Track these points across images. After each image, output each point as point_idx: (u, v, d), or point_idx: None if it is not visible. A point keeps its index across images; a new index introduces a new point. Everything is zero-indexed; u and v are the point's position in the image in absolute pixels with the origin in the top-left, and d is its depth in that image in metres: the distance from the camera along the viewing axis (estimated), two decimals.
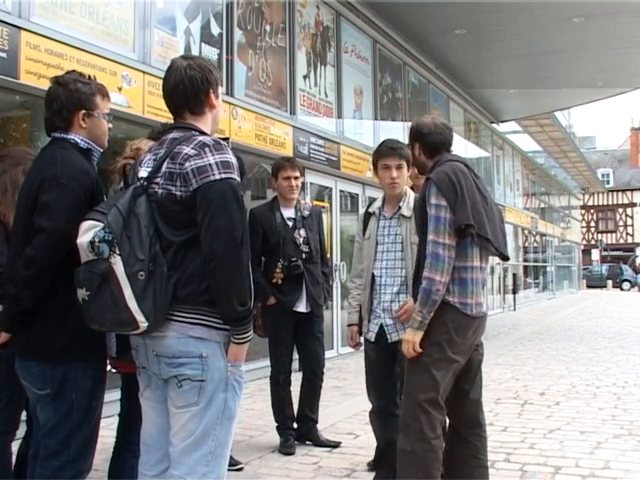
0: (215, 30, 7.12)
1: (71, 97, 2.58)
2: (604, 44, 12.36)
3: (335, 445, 4.74)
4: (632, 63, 13.86)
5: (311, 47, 9.07)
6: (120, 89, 5.64)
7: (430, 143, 3.22)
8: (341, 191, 9.83)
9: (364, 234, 3.88)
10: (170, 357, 2.26)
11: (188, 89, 2.37)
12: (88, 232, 2.21)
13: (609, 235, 47.06)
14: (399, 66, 12.07)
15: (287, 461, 4.44)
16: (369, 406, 3.92)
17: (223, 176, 2.22)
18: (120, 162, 3.04)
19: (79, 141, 2.60)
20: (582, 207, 42.39)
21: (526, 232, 23.38)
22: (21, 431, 3.00)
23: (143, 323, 2.18)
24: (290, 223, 4.76)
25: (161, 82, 2.47)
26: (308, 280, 4.70)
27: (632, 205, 47.07)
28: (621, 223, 47.52)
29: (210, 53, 6.96)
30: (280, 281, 4.65)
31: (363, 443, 4.73)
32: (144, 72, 5.93)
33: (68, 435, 2.48)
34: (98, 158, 2.70)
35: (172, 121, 2.48)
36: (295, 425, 4.81)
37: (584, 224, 45.21)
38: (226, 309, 2.22)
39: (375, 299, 3.75)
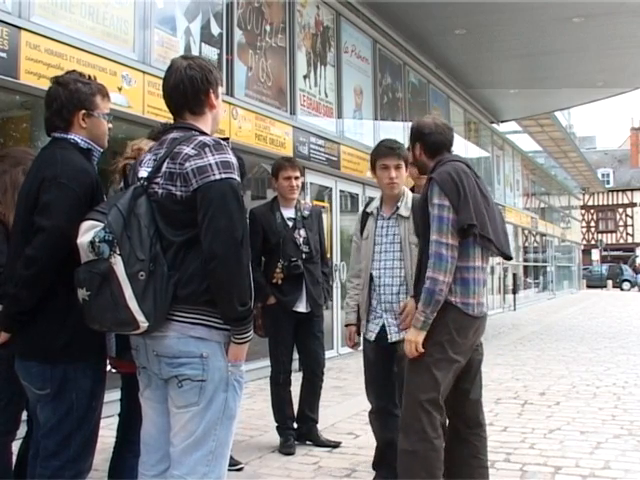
0: (215, 30, 7.12)
1: (71, 97, 2.58)
2: (604, 44, 12.36)
3: (335, 445, 4.74)
4: (632, 63, 13.86)
5: (311, 47, 9.07)
6: (120, 89, 5.64)
7: (431, 143, 3.22)
8: (341, 191, 9.83)
9: (362, 234, 3.88)
10: (170, 357, 2.26)
11: (188, 89, 2.38)
12: (88, 232, 2.21)
13: (609, 235, 47.06)
14: (399, 66, 12.07)
15: (287, 461, 4.44)
16: (369, 406, 3.92)
17: (223, 176, 2.22)
18: (121, 162, 3.04)
19: (79, 141, 2.60)
20: (582, 207, 42.39)
21: (526, 232, 23.38)
22: (21, 431, 3.00)
23: (143, 323, 2.18)
24: (290, 223, 4.76)
25: (161, 82, 2.47)
26: (308, 280, 4.70)
27: (632, 205, 47.07)
28: (621, 223, 47.52)
29: (210, 53, 6.96)
30: (280, 281, 4.65)
31: (363, 443, 4.73)
32: (144, 72, 5.93)
33: (68, 435, 2.48)
34: (98, 158, 2.70)
35: (172, 121, 2.48)
36: (295, 425, 4.81)
37: (584, 224, 45.21)
38: (226, 309, 2.22)
39: (374, 299, 3.74)
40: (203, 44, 6.90)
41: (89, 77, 2.68)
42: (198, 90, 2.39)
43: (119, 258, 2.15)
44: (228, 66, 7.29)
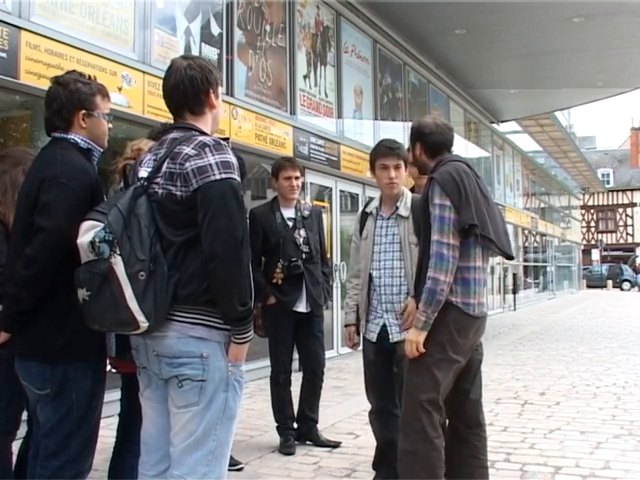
0: (215, 30, 7.12)
1: (71, 97, 2.58)
2: (604, 44, 12.36)
3: (335, 445, 4.74)
4: (632, 63, 13.86)
5: (311, 47, 9.07)
6: (120, 89, 5.64)
7: (431, 143, 3.22)
8: (341, 191, 9.83)
9: (361, 234, 3.88)
10: (170, 357, 2.26)
11: (188, 89, 2.38)
12: (88, 232, 2.21)
13: (609, 235, 47.06)
14: (399, 66, 12.07)
15: (287, 461, 4.44)
16: (369, 406, 3.92)
17: (223, 176, 2.22)
18: (121, 163, 3.04)
19: (79, 141, 2.60)
20: (582, 207, 42.39)
21: (526, 232, 23.39)
22: (22, 431, 3.00)
23: (144, 323, 2.18)
24: (290, 223, 4.76)
25: (161, 82, 2.48)
26: (308, 280, 4.70)
27: (632, 205, 47.07)
28: (621, 223, 47.52)
29: (210, 53, 6.96)
30: (280, 281, 4.65)
31: (363, 443, 4.73)
32: (144, 72, 5.93)
33: (68, 435, 2.48)
34: (98, 158, 2.70)
35: (172, 121, 2.48)
36: (295, 425, 4.81)
37: (584, 224, 45.21)
38: (227, 309, 2.22)
39: (375, 299, 3.74)
40: (203, 44, 6.90)
41: (89, 77, 2.68)
42: (198, 90, 2.39)
43: (119, 258, 2.15)
44: (228, 66, 7.29)
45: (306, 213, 4.85)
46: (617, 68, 14.19)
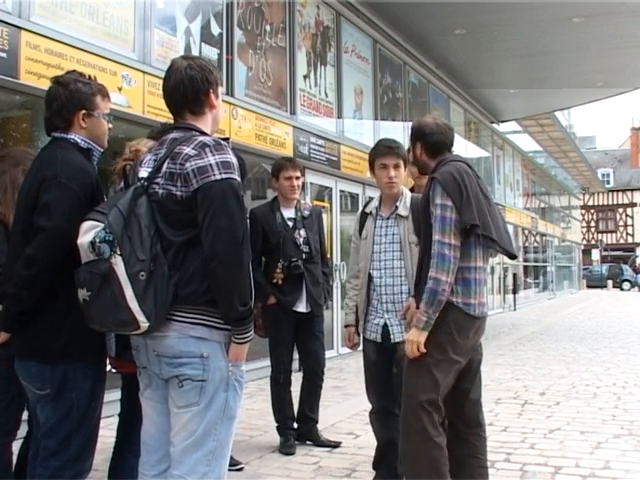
0: (215, 30, 7.12)
1: (71, 97, 2.58)
2: (604, 44, 12.36)
3: (335, 445, 4.74)
4: (632, 63, 13.86)
5: (311, 47, 9.07)
6: (120, 89, 5.64)
7: (432, 143, 3.22)
8: (341, 191, 9.83)
9: (360, 234, 3.87)
10: (171, 357, 2.26)
11: (188, 89, 2.38)
12: (89, 232, 2.21)
13: (609, 235, 47.06)
14: (399, 66, 12.07)
15: (287, 461, 4.44)
16: (369, 406, 3.92)
17: (224, 176, 2.22)
18: (120, 163, 3.04)
19: (79, 141, 2.60)
20: (582, 207, 42.39)
21: (526, 232, 23.38)
22: (22, 431, 3.00)
23: (144, 323, 2.18)
24: (290, 223, 4.76)
25: (161, 82, 2.48)
26: (308, 280, 4.70)
27: (632, 205, 47.07)
28: (621, 223, 47.52)
29: (210, 53, 6.96)
30: (280, 281, 4.65)
31: (363, 443, 4.73)
32: (144, 72, 5.93)
33: (68, 435, 2.48)
34: (98, 158, 2.70)
35: (172, 121, 2.48)
36: (295, 425, 4.81)
37: (584, 224, 45.21)
38: (227, 309, 2.22)
39: (375, 299, 3.74)
40: (203, 44, 6.90)
41: (89, 77, 2.68)
42: (198, 90, 2.39)
43: (119, 258, 2.15)
44: (228, 66, 7.29)
45: (306, 213, 4.85)
46: (617, 68, 14.19)
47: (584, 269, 38.77)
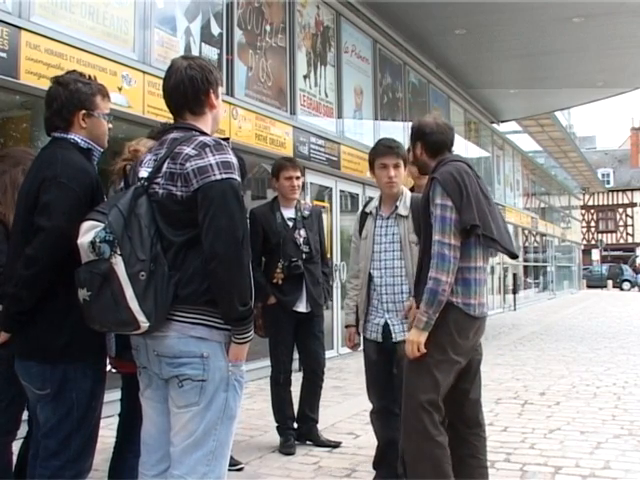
0: (215, 30, 7.12)
1: (71, 97, 2.58)
2: (604, 44, 12.36)
3: (335, 445, 4.74)
4: (632, 63, 13.86)
5: (311, 47, 9.07)
6: (120, 89, 5.64)
7: (432, 143, 3.22)
8: (341, 191, 9.83)
9: (360, 234, 3.87)
10: (171, 357, 2.26)
11: (188, 89, 2.38)
12: (89, 232, 2.21)
13: (609, 235, 47.06)
14: (399, 66, 12.07)
15: (287, 461, 4.44)
16: (369, 406, 3.92)
17: (224, 176, 2.22)
18: (118, 164, 3.05)
19: (79, 141, 2.60)
20: (582, 207, 42.39)
21: (526, 232, 23.39)
22: (22, 431, 3.00)
23: (144, 323, 2.18)
24: (290, 223, 4.76)
25: (161, 82, 2.48)
26: (308, 280, 4.70)
27: (632, 205, 47.07)
28: (621, 223, 47.52)
29: (210, 53, 6.96)
30: (280, 281, 4.65)
31: (363, 443, 4.73)
32: (144, 72, 5.93)
33: (68, 435, 2.48)
34: (98, 158, 2.70)
35: (172, 121, 2.48)
36: (295, 425, 4.81)
37: (584, 224, 45.21)
38: (227, 309, 2.22)
39: (375, 299, 3.74)
40: (203, 44, 6.90)
41: (89, 77, 2.68)
42: (198, 90, 2.39)
43: (120, 258, 2.15)
44: (228, 66, 7.29)
45: (306, 213, 4.85)
46: (617, 68, 14.19)
47: (584, 269, 38.77)
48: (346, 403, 6.19)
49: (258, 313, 4.51)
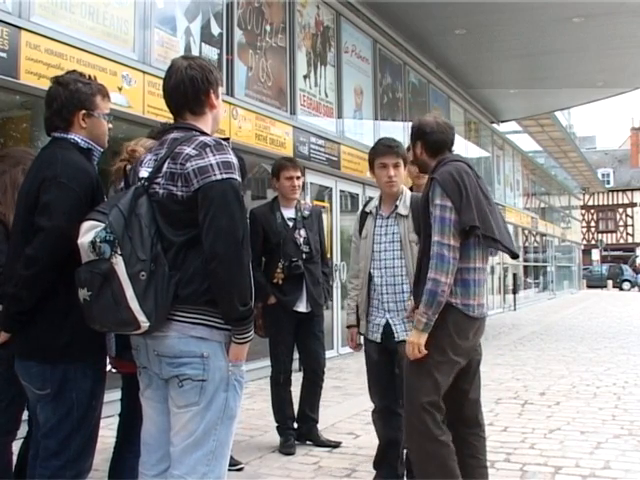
0: (215, 30, 7.12)
1: (71, 97, 2.58)
2: (604, 44, 12.36)
3: (335, 445, 4.74)
4: (632, 63, 13.86)
5: (311, 47, 9.07)
6: (120, 89, 5.64)
7: (432, 142, 3.21)
8: (341, 191, 9.83)
9: (360, 234, 3.87)
10: (171, 357, 2.26)
11: (189, 89, 2.38)
12: (89, 232, 2.21)
13: (609, 235, 47.06)
14: (399, 66, 12.07)
15: (287, 461, 4.44)
16: (370, 406, 3.92)
17: (224, 176, 2.22)
18: (117, 164, 3.05)
19: (79, 141, 2.60)
20: (582, 207, 42.39)
21: (526, 232, 23.39)
22: (22, 431, 3.00)
23: (145, 323, 2.18)
24: (290, 223, 4.76)
25: (161, 82, 2.48)
26: (308, 280, 4.70)
27: (632, 205, 47.07)
28: (621, 223, 47.52)
29: (210, 53, 6.96)
30: (281, 281, 4.65)
31: (363, 443, 4.73)
32: (144, 72, 5.93)
33: (68, 435, 2.48)
34: (98, 158, 2.70)
35: (172, 121, 2.48)
36: (295, 425, 4.81)
37: (584, 224, 45.21)
38: (228, 309, 2.22)
39: (375, 299, 3.74)
40: (203, 44, 6.90)
41: (89, 77, 2.68)
42: (198, 90, 2.39)
43: (120, 258, 2.15)
44: (228, 66, 7.29)
45: (306, 213, 4.85)
46: (617, 68, 14.19)
47: (584, 269, 38.78)
48: (346, 403, 6.19)
49: (258, 313, 4.51)
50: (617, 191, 47.48)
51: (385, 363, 3.73)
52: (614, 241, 46.86)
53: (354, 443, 4.82)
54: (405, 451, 3.71)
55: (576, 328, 13.79)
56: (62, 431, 2.47)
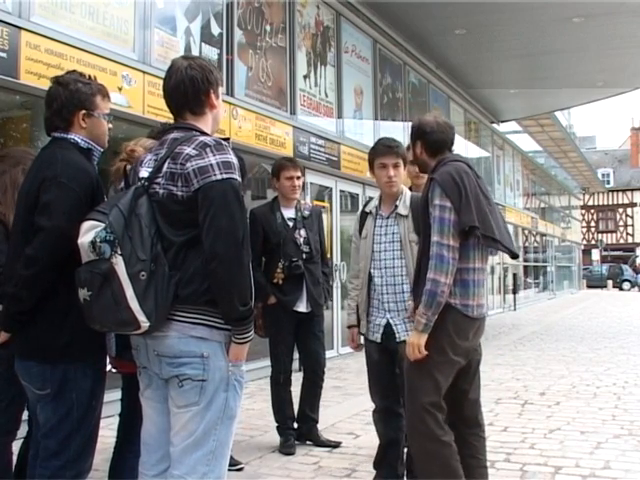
0: (215, 30, 7.12)
1: (71, 97, 2.58)
2: (604, 44, 12.36)
3: (335, 445, 4.74)
4: (632, 63, 13.86)
5: (311, 47, 9.07)
6: (120, 89, 5.64)
7: (432, 142, 3.21)
8: (341, 191, 9.84)
9: (360, 234, 3.87)
10: (171, 357, 2.26)
11: (189, 89, 2.38)
12: (89, 232, 2.21)
13: (609, 235, 47.06)
14: (399, 66, 12.07)
15: (287, 461, 4.44)
16: (370, 406, 3.91)
17: (224, 176, 2.22)
18: (117, 164, 3.05)
19: (79, 141, 2.60)
20: (582, 207, 42.39)
21: (526, 232, 23.39)
22: (22, 431, 3.00)
23: (145, 323, 2.18)
24: (290, 223, 4.76)
25: (161, 82, 2.48)
26: (309, 280, 4.70)
27: (632, 205, 47.08)
28: (621, 223, 47.52)
29: (210, 53, 6.96)
30: (281, 281, 4.65)
31: (363, 443, 4.73)
32: (144, 72, 5.93)
33: (68, 435, 2.48)
34: (98, 158, 2.70)
35: (172, 121, 2.48)
36: (295, 425, 4.81)
37: (584, 224, 45.21)
38: (228, 309, 2.22)
39: (375, 299, 3.73)
40: (203, 44, 6.90)
41: (89, 77, 2.69)
42: (199, 90, 2.39)
43: (120, 258, 2.15)
44: (228, 66, 7.29)
45: (306, 213, 4.85)
46: (617, 68, 14.19)
47: (584, 269, 38.78)
48: (346, 403, 6.19)
49: (258, 313, 4.51)
50: (617, 191, 47.48)
51: (386, 363, 3.73)
52: (614, 241, 46.86)
53: (354, 443, 4.82)
54: (405, 450, 3.72)
55: (576, 328, 13.79)
56: (62, 431, 2.47)
